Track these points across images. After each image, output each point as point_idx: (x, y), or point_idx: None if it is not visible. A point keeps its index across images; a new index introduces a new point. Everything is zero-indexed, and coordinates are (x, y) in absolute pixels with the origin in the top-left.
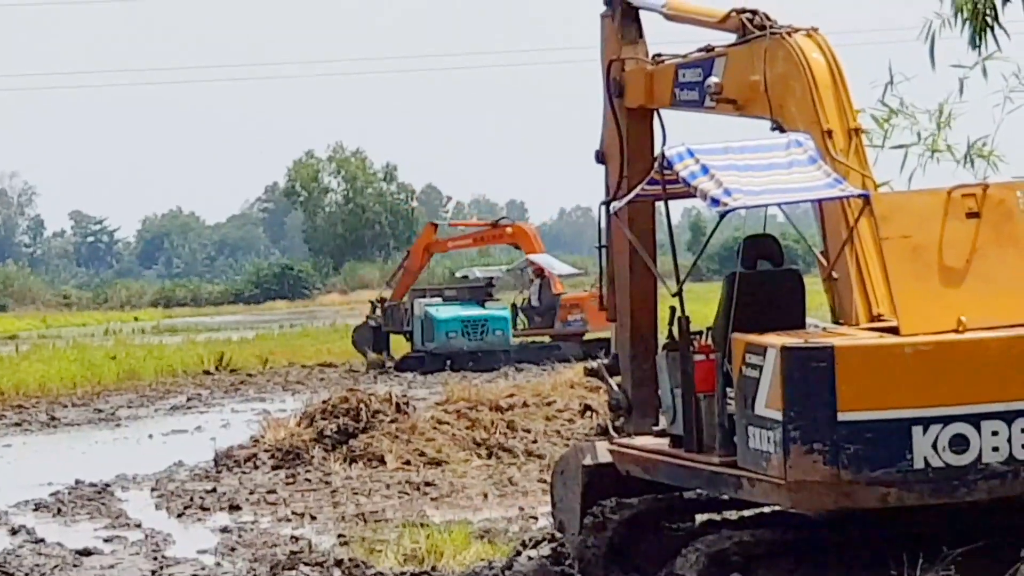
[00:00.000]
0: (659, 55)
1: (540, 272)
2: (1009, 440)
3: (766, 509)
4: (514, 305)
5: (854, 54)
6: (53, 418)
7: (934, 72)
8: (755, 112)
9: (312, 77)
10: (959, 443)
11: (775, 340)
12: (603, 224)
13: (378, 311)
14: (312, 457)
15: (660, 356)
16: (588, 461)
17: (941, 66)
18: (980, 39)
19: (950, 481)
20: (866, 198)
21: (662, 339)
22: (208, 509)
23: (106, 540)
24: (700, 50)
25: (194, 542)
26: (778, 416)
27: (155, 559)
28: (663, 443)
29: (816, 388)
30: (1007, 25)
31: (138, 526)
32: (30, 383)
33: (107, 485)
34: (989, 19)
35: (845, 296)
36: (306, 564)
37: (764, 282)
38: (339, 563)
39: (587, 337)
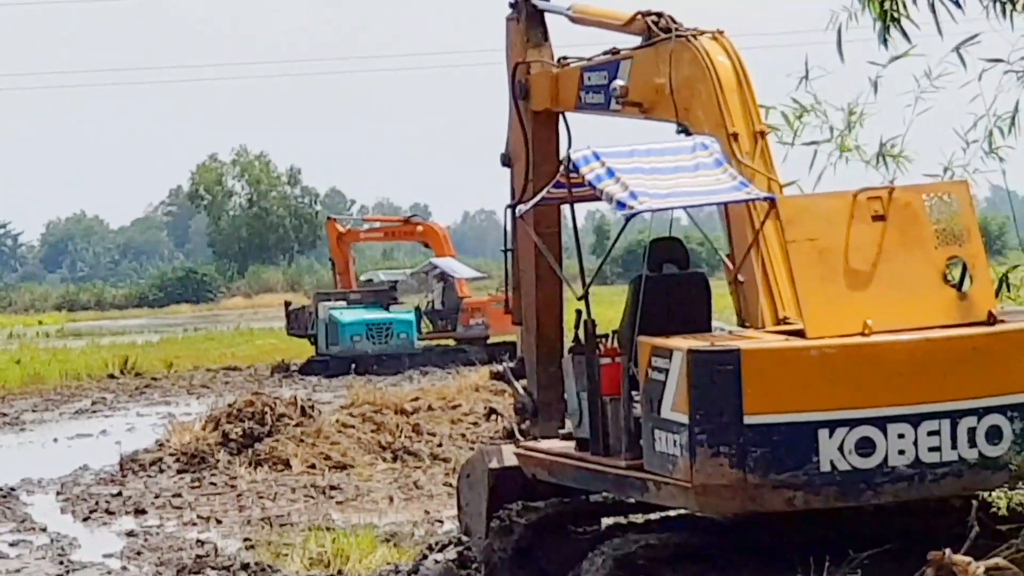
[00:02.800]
0: (565, 58)
1: (443, 276)
2: (915, 443)
3: (672, 512)
4: (418, 308)
5: (764, 54)
6: None
7: (843, 65)
8: (661, 115)
9: (216, 80)
10: (865, 446)
11: (681, 343)
12: (509, 227)
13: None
14: (217, 461)
15: (566, 359)
16: (494, 464)
17: (859, 65)
18: (888, 34)
19: (856, 484)
20: (772, 201)
21: (568, 342)
22: (114, 513)
23: (11, 544)
24: (605, 53)
25: (100, 546)
26: (684, 419)
27: (61, 563)
28: (569, 446)
29: (722, 391)
30: (916, 19)
31: (44, 530)
32: None
33: (12, 489)
34: (896, 13)
35: (751, 299)
36: (212, 568)
37: (670, 285)
38: (245, 567)
39: (491, 340)
